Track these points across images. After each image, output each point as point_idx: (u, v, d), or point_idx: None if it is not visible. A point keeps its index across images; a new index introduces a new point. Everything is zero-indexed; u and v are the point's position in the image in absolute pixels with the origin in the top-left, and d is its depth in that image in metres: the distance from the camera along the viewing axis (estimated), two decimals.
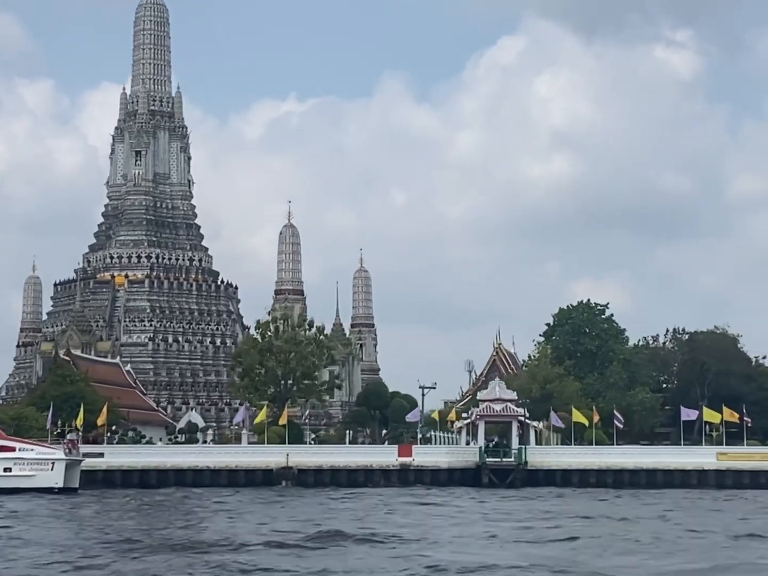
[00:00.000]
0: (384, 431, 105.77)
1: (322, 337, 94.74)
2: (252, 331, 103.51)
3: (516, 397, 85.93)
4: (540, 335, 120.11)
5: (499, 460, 78.72)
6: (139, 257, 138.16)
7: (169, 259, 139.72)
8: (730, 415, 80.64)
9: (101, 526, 39.36)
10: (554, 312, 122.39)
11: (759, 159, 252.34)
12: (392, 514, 46.79)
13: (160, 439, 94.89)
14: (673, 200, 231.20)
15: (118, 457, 77.20)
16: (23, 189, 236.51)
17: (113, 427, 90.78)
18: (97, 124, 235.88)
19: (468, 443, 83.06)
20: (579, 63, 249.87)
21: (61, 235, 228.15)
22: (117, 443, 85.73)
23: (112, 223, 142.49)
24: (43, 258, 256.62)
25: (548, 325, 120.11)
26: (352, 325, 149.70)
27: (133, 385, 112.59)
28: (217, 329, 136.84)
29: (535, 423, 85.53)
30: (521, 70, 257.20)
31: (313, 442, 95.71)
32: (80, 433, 77.93)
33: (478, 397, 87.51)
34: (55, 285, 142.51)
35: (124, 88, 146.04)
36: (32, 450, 66.10)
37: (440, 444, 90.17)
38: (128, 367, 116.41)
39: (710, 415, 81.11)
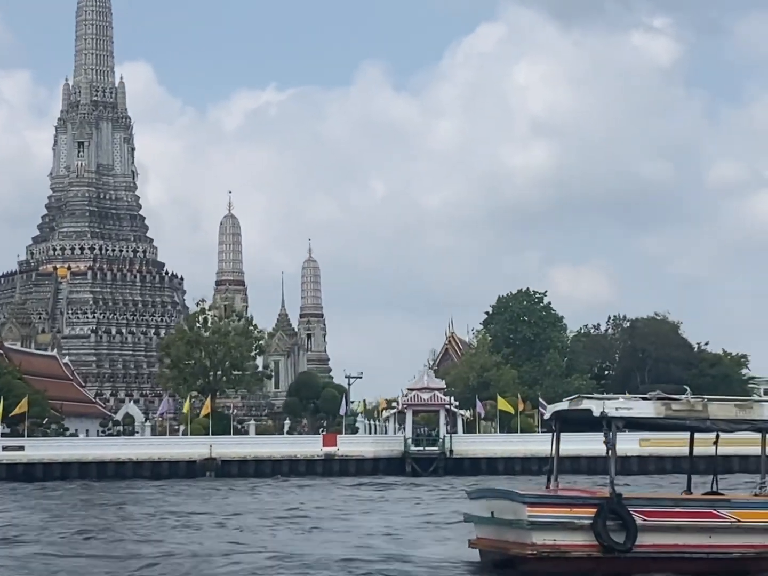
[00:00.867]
0: (324, 422, 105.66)
1: (251, 327, 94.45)
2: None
3: (444, 386, 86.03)
4: (480, 324, 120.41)
5: (422, 449, 78.77)
6: (82, 249, 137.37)
7: (113, 250, 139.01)
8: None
9: None
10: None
11: (738, 144, 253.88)
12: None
13: (86, 432, 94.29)
14: (652, 187, 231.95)
15: (38, 449, 76.79)
16: None
17: (45, 420, 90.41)
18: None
19: (395, 432, 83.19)
20: (557, 50, 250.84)
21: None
22: (40, 436, 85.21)
23: (55, 215, 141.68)
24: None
25: (487, 313, 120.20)
26: (301, 315, 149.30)
27: (71, 377, 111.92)
28: (162, 320, 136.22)
29: (462, 411, 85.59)
30: (500, 58, 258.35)
31: (251, 433, 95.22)
32: (3, 426, 77.59)
33: (406, 386, 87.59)
34: None
35: (66, 79, 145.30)
36: None
37: (370, 434, 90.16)
38: (66, 359, 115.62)
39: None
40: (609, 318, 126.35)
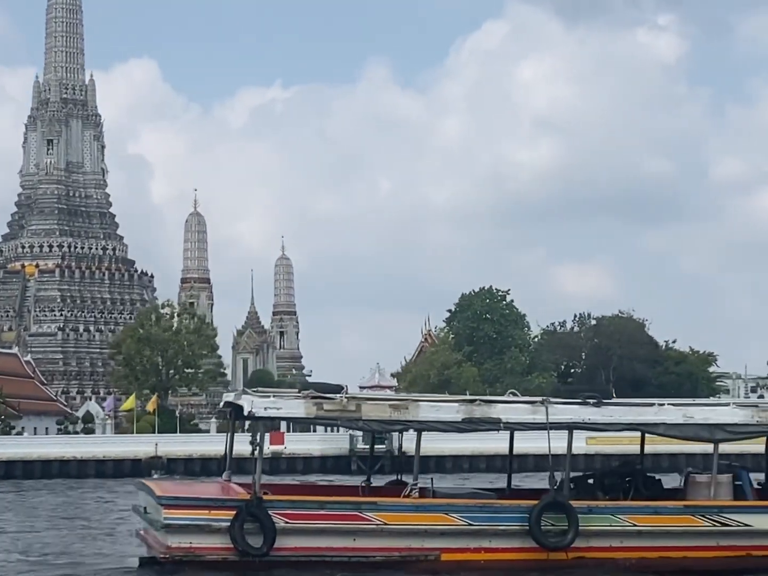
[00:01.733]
0: None
1: (204, 325, 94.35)
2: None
3: (395, 384, 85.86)
4: (443, 321, 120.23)
5: (368, 446, 78.40)
6: (50, 246, 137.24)
7: (82, 248, 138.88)
8: None
9: None
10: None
11: (742, 142, 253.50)
12: None
13: (46, 430, 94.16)
14: (657, 184, 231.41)
15: None
16: None
17: (2, 417, 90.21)
18: None
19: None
20: (562, 47, 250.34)
21: None
22: None
23: (24, 213, 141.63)
24: None
25: (450, 311, 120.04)
26: (274, 313, 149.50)
27: (32, 375, 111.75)
28: (130, 318, 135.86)
29: None
30: (505, 55, 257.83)
31: (212, 431, 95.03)
32: None
33: (358, 384, 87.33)
34: None
35: (37, 76, 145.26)
36: None
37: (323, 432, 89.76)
38: (29, 357, 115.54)
39: None
40: (575, 316, 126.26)
